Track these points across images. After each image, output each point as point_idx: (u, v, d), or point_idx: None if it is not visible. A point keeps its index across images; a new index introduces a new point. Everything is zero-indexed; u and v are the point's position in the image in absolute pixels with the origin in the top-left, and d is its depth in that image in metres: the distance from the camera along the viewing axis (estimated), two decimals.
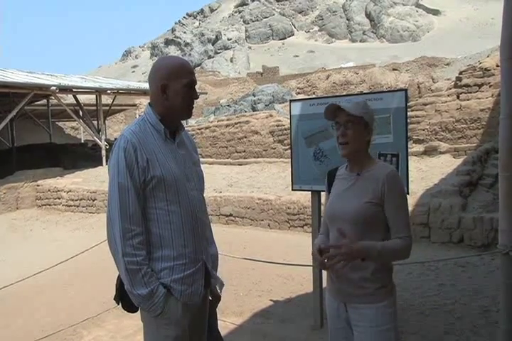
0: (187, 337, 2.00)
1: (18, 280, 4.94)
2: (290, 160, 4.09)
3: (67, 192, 11.56)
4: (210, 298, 2.22)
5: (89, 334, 4.23)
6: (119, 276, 1.98)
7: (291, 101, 4.06)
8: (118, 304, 2.06)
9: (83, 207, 11.10)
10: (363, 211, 2.01)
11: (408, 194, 3.54)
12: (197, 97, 2.06)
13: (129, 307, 2.01)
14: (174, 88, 1.97)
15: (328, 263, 1.91)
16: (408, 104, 11.13)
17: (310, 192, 4.07)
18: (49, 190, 11.91)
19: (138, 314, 2.07)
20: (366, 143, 2.12)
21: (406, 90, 3.47)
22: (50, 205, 11.84)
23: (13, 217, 11.25)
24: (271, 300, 4.84)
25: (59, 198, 11.64)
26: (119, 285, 2.00)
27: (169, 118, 2.03)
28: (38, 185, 12.27)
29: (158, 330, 1.97)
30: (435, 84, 21.40)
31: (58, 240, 8.59)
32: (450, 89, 10.92)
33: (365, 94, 3.78)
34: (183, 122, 2.18)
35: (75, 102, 16.74)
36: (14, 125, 18.63)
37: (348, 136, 2.06)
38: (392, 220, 2.01)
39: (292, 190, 4.12)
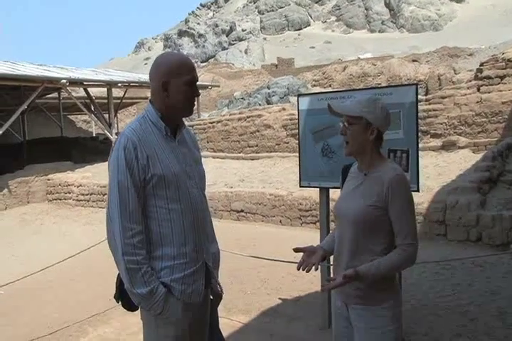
0: (187, 336, 2.02)
1: (26, 275, 5.02)
2: (298, 156, 4.08)
3: (78, 187, 11.70)
4: (211, 297, 2.23)
5: (95, 331, 4.29)
6: (119, 275, 2.01)
7: (299, 95, 4.04)
8: (118, 302, 2.09)
9: (93, 201, 11.23)
10: (364, 214, 2.00)
11: (418, 191, 3.51)
12: (198, 94, 2.08)
13: (129, 305, 2.04)
14: (175, 85, 1.98)
15: (325, 288, 2.01)
16: (426, 97, 11.05)
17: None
18: (59, 185, 12.07)
19: None
20: (372, 143, 2.06)
21: (417, 85, 3.43)
22: (60, 200, 12.01)
23: (24, 211, 11.42)
24: (279, 299, 4.86)
25: (69, 192, 11.79)
26: (119, 283, 2.03)
27: (170, 116, 2.04)
28: (48, 179, 12.44)
29: (157, 330, 2.00)
30: (457, 76, 21.07)
31: (68, 235, 8.72)
32: (470, 81, 10.76)
33: (374, 88, 3.75)
34: (188, 118, 2.19)
35: (86, 95, 16.87)
36: (26, 118, 18.87)
37: (347, 136, 2.07)
38: (395, 226, 1.99)
39: (300, 186, 4.11)
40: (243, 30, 75.69)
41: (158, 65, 2.02)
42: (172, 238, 1.98)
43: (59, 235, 8.63)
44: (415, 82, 23.28)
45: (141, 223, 1.94)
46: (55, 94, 19.81)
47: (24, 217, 10.82)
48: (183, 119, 2.15)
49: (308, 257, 2.10)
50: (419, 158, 9.34)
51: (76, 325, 4.45)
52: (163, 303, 1.94)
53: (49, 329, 4.42)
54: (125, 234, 1.89)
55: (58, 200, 12.04)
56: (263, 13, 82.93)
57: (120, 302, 2.07)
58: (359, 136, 2.05)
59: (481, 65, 10.69)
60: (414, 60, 29.19)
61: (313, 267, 2.08)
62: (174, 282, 1.97)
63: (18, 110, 13.40)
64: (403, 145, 3.43)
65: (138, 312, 2.11)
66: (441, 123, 10.25)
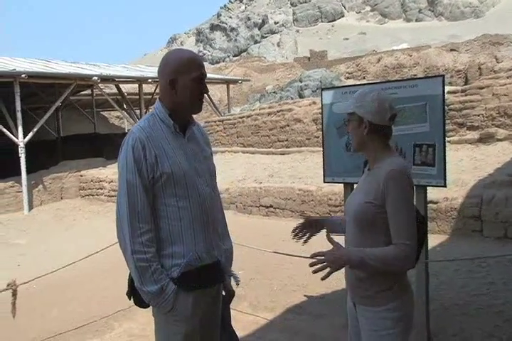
0: (198, 333, 2.04)
1: (55, 270, 5.15)
2: (322, 151, 4.04)
3: (109, 183, 11.95)
4: (224, 294, 2.24)
5: (120, 326, 4.38)
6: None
7: (322, 89, 4.01)
8: (130, 299, 2.12)
9: None
10: (362, 211, 1.97)
11: (445, 187, 3.42)
12: (206, 91, 2.08)
13: (141, 302, 2.06)
14: (183, 83, 1.99)
15: (313, 270, 1.94)
16: (462, 88, 10.73)
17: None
18: (92, 181, 12.35)
19: None
20: (370, 137, 2.02)
21: (443, 76, 3.33)
22: (92, 195, 12.29)
23: (57, 207, 11.76)
24: (305, 296, 4.83)
25: (101, 188, 12.06)
26: (131, 280, 2.05)
27: (179, 113, 2.05)
28: (81, 175, 12.75)
29: (168, 327, 2.02)
30: (499, 65, 20.40)
31: (99, 231, 8.90)
32: (511, 70, 10.38)
33: (398, 81, 3.66)
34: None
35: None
36: (60, 115, 19.38)
37: (350, 133, 2.10)
38: (390, 224, 1.92)
39: (324, 182, 4.08)
40: (275, 23, 75.37)
41: (166, 62, 2.04)
42: (182, 236, 1.99)
43: (90, 231, 8.84)
44: (453, 72, 22.71)
45: (150, 221, 1.96)
46: (88, 91, 20.27)
47: (58, 213, 11.15)
48: (194, 116, 2.16)
49: (309, 227, 2.24)
50: (455, 152, 9.07)
51: (102, 321, 4.57)
52: (172, 301, 1.96)
53: (76, 323, 4.54)
54: (134, 232, 1.92)
55: (90, 196, 12.33)
56: (296, 5, 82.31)
57: (132, 300, 2.09)
58: (355, 131, 2.05)
59: None
60: (452, 50, 28.43)
61: (302, 239, 2.23)
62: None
63: (51, 107, 13.77)
64: (429, 139, 3.35)
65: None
66: (479, 115, 9.92)
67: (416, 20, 73.42)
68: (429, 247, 5.64)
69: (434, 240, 6.20)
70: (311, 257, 1.95)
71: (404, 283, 2.05)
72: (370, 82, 20.05)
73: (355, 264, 1.90)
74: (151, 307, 2.09)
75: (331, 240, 1.99)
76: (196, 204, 2.01)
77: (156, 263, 1.94)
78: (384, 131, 2.03)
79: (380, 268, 1.92)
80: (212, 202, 2.11)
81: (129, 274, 2.06)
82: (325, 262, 1.89)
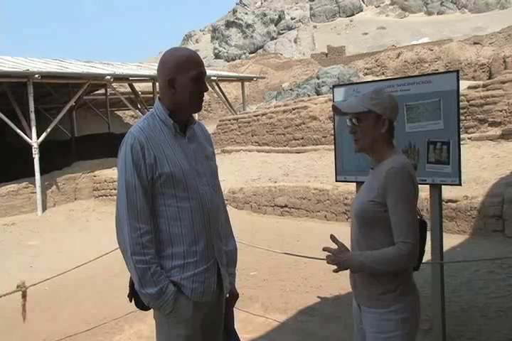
0: (199, 336, 2.04)
1: (66, 270, 5.21)
2: (334, 150, 4.03)
3: None
4: (227, 296, 2.24)
5: (131, 328, 4.43)
6: None
7: (333, 86, 4.00)
8: (131, 301, 2.13)
9: None
10: (364, 210, 1.97)
11: (460, 185, 3.39)
12: (206, 90, 2.08)
13: (142, 305, 2.07)
14: (182, 82, 2.00)
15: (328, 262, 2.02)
16: (483, 83, 10.57)
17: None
18: (105, 181, 12.46)
19: None
20: (384, 135, 2.02)
21: (458, 71, 3.30)
22: (106, 196, 12.40)
23: (71, 207, 11.89)
24: (318, 297, 4.83)
25: (115, 189, 12.14)
26: (131, 283, 2.07)
27: (178, 113, 2.06)
28: (94, 176, 12.87)
29: (169, 329, 2.02)
30: None
31: (112, 232, 8.98)
32: None
33: (411, 77, 3.64)
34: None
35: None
36: (74, 115, 19.62)
37: (357, 133, 2.04)
38: (391, 222, 1.93)
39: (336, 181, 4.08)
40: (292, 19, 75.19)
41: (164, 61, 2.05)
42: (182, 237, 2.00)
43: (103, 232, 8.89)
44: (477, 66, 22.39)
45: (150, 222, 1.97)
46: (102, 91, 20.48)
47: (71, 214, 11.28)
48: (194, 115, 2.17)
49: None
50: (476, 149, 8.94)
51: (113, 322, 4.62)
52: (172, 303, 1.96)
53: (87, 325, 4.61)
54: (134, 233, 1.93)
55: (104, 197, 12.45)
56: (313, 0, 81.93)
57: (133, 302, 2.11)
58: (371, 131, 2.01)
59: None
60: (475, 43, 28.03)
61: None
62: (184, 280, 1.99)
63: (64, 107, 13.92)
64: (444, 137, 3.32)
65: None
66: (501, 111, 9.75)
67: (438, 13, 72.44)
68: (448, 247, 5.60)
69: (453, 240, 6.14)
70: (323, 250, 2.03)
71: (409, 285, 2.03)
72: (389, 77, 19.88)
73: (356, 269, 1.95)
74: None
75: (335, 240, 2.02)
76: (197, 205, 2.02)
77: (156, 265, 1.95)
78: (393, 129, 2.05)
79: (383, 270, 1.93)
80: (214, 203, 2.11)
81: (130, 276, 2.08)
82: (331, 260, 1.99)
